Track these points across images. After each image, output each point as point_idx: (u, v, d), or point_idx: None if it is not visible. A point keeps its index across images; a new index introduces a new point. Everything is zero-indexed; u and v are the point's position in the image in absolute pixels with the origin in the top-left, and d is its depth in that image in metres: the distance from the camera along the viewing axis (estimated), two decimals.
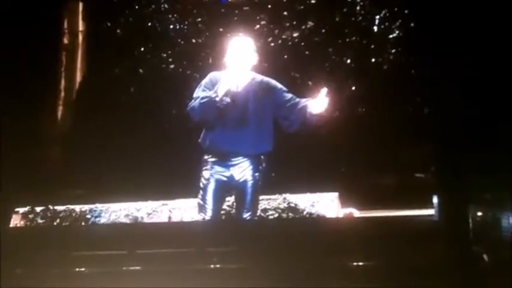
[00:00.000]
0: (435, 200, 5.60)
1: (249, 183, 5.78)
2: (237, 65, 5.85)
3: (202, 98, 5.71)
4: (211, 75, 5.94)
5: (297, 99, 5.91)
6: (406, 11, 9.40)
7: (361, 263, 5.20)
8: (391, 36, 9.50)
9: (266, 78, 5.95)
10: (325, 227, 6.12)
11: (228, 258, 5.33)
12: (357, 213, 7.54)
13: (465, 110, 5.75)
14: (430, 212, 6.55)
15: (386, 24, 9.54)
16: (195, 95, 5.88)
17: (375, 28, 9.60)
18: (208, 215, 5.81)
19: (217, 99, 5.65)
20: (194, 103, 5.79)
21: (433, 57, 8.11)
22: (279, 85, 5.99)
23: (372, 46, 9.57)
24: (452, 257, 5.15)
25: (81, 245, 5.73)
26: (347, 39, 9.67)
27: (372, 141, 8.83)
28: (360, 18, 9.68)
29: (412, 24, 9.28)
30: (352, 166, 8.72)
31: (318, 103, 5.73)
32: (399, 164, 8.70)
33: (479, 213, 5.41)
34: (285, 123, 5.94)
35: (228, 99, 5.67)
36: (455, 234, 5.32)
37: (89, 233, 6.48)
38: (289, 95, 5.94)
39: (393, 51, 9.46)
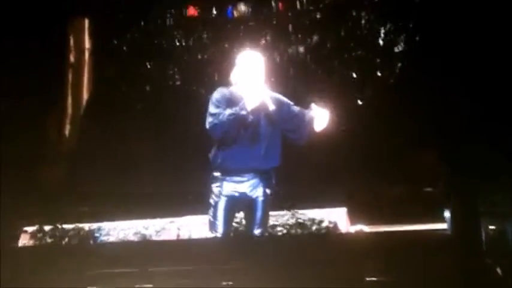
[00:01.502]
0: (447, 214, 5.58)
1: (260, 199, 5.75)
2: (252, 80, 5.82)
3: (230, 115, 5.61)
4: (222, 91, 5.86)
5: (302, 112, 5.88)
6: (410, 25, 9.43)
7: (374, 278, 5.17)
8: (396, 49, 9.52)
9: (275, 94, 5.91)
10: (337, 242, 6.09)
11: (242, 275, 5.32)
12: (366, 230, 7.52)
13: (477, 123, 5.76)
14: (443, 226, 6.56)
15: (392, 37, 9.56)
16: (212, 111, 5.76)
17: (380, 42, 9.63)
18: (220, 231, 5.78)
19: (245, 115, 5.62)
20: (219, 119, 5.62)
21: (438, 70, 8.15)
22: (286, 100, 5.96)
23: (378, 60, 9.58)
24: (465, 270, 5.13)
25: (93, 263, 5.72)
26: (352, 53, 9.70)
27: (380, 155, 8.84)
28: (365, 32, 9.70)
29: (417, 38, 9.33)
30: (360, 181, 8.72)
31: (321, 115, 5.71)
32: (408, 178, 8.70)
33: (492, 227, 5.40)
34: (294, 136, 5.92)
35: (251, 116, 5.66)
36: (468, 247, 5.30)
37: (100, 251, 6.47)
38: (295, 109, 5.92)
39: (399, 64, 9.47)
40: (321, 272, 5.16)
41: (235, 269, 5.29)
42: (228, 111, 5.64)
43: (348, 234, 7.15)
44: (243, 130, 5.69)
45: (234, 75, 5.96)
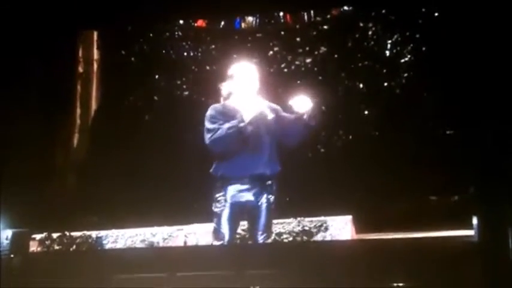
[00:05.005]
0: (475, 220, 5.55)
1: (264, 206, 5.80)
2: (247, 91, 5.87)
3: (230, 127, 5.67)
4: (215, 108, 5.86)
5: (290, 116, 5.88)
6: (417, 35, 9.47)
7: (400, 284, 5.16)
8: (402, 60, 9.56)
9: (271, 103, 5.95)
10: (359, 249, 6.06)
11: (265, 280, 5.33)
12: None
13: (502, 127, 5.75)
14: (449, 233, 6.56)
15: (398, 48, 9.61)
16: (209, 127, 5.78)
17: (387, 53, 9.67)
18: (225, 239, 5.82)
19: (244, 127, 5.66)
20: (218, 134, 5.70)
21: (445, 80, 8.18)
22: (277, 107, 5.99)
23: (384, 70, 9.62)
24: (492, 278, 5.10)
25: (101, 269, 5.76)
26: (359, 64, 9.74)
27: (385, 164, 8.88)
28: (372, 43, 9.75)
29: (423, 48, 9.37)
30: (366, 188, 8.75)
31: (308, 108, 5.71)
32: (413, 186, 8.73)
33: None
34: (287, 140, 5.94)
35: (250, 127, 5.69)
36: (496, 255, 5.27)
37: (107, 257, 6.51)
38: (285, 114, 5.94)
39: (405, 74, 9.51)
40: (327, 279, 5.18)
41: (244, 275, 5.33)
42: (227, 125, 5.70)
43: (376, 240, 7.14)
44: (243, 141, 5.73)
45: (227, 88, 6.01)
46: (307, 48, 10.02)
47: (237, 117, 5.73)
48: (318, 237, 7.36)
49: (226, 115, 5.82)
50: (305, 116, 5.74)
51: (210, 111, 5.89)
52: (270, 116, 5.78)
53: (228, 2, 8.28)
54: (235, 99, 5.93)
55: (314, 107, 5.73)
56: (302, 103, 5.72)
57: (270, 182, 5.86)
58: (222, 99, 6.05)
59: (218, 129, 5.73)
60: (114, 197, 8.91)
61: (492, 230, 5.41)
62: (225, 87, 6.03)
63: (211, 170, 5.91)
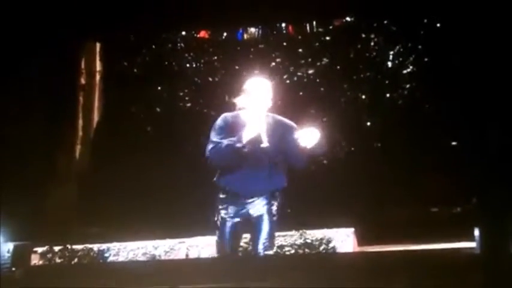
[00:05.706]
0: (476, 232, 5.55)
1: (266, 218, 5.76)
2: (256, 106, 5.81)
3: (227, 146, 5.61)
4: (225, 119, 5.82)
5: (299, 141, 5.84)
6: (419, 46, 9.48)
7: None
8: (404, 71, 9.57)
9: (279, 118, 5.89)
10: (360, 261, 6.05)
11: None
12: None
13: (504, 140, 5.75)
14: (451, 245, 6.54)
15: (400, 59, 9.61)
16: (213, 138, 5.72)
17: (389, 63, 9.68)
18: (227, 251, 5.80)
19: (241, 146, 5.62)
20: (216, 149, 5.65)
21: (447, 91, 8.18)
22: (290, 123, 5.93)
23: (386, 81, 9.63)
24: None
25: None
26: (361, 75, 9.74)
27: (387, 176, 8.88)
28: (374, 54, 9.75)
29: (425, 59, 9.38)
30: (367, 201, 8.76)
31: (309, 135, 5.67)
32: (415, 199, 8.74)
33: None
34: (292, 161, 5.89)
35: (250, 146, 5.64)
36: (498, 267, 5.26)
37: (108, 270, 6.49)
38: (296, 134, 5.88)
39: (407, 86, 9.52)
40: None
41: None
42: (225, 142, 5.66)
43: (378, 252, 7.13)
44: (242, 158, 5.69)
45: (240, 100, 5.95)
46: (310, 59, 10.03)
47: (237, 136, 5.69)
48: (320, 249, 7.36)
49: (233, 129, 5.74)
50: (312, 148, 5.69)
51: (219, 121, 5.82)
52: (265, 144, 5.71)
53: (230, 14, 8.28)
54: (248, 112, 5.87)
55: (321, 139, 5.66)
56: (309, 136, 5.65)
57: (273, 195, 5.82)
58: (237, 108, 5.97)
59: (218, 143, 5.68)
60: (116, 210, 8.90)
61: (494, 242, 5.40)
62: (238, 101, 5.96)
63: (214, 179, 5.88)
